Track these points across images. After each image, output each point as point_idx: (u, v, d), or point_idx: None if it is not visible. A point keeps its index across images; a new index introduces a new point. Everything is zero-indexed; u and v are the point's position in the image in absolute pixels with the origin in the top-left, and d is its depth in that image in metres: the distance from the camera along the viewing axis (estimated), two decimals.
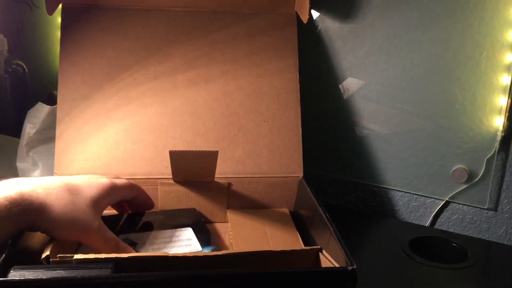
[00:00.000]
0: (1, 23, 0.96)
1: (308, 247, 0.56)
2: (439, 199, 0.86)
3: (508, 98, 0.76)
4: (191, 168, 0.68)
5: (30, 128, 0.79)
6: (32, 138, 0.78)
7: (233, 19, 0.79)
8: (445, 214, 0.86)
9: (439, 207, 0.86)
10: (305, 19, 0.78)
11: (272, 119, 0.76)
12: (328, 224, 0.57)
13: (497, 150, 0.79)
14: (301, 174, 0.75)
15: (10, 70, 0.91)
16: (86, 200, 0.52)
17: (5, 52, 0.91)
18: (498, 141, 0.78)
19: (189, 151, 0.66)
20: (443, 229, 0.86)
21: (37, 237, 0.60)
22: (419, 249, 0.75)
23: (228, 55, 0.77)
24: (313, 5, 0.88)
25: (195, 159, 0.67)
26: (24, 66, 0.95)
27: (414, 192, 0.87)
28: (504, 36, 0.75)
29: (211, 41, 0.78)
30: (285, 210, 0.75)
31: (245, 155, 0.74)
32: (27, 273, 0.45)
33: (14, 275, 0.45)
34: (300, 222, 0.71)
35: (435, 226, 0.87)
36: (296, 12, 0.81)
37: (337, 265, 0.51)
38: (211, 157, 0.67)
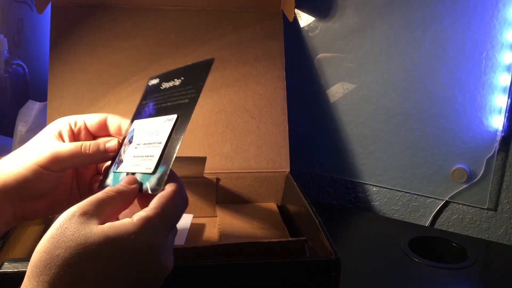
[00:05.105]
0: (1, 23, 0.96)
1: (294, 238, 0.57)
2: (439, 199, 0.86)
3: (508, 98, 0.76)
4: (180, 171, 0.69)
5: (22, 126, 0.79)
6: (24, 136, 0.78)
7: (221, 18, 0.80)
8: (445, 214, 0.86)
9: (439, 207, 0.86)
10: (290, 18, 0.79)
11: (260, 115, 0.77)
12: (314, 217, 0.58)
13: (497, 150, 0.79)
14: (288, 169, 0.76)
15: (10, 70, 0.91)
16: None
17: (5, 52, 0.91)
18: (498, 141, 0.78)
19: (177, 157, 0.66)
20: (443, 229, 0.87)
21: (31, 230, 0.61)
22: (418, 249, 0.75)
23: (216, 53, 0.78)
24: (314, 6, 0.88)
25: (184, 164, 0.68)
26: (24, 66, 0.95)
27: (414, 192, 0.88)
28: (504, 36, 0.75)
29: (199, 39, 0.79)
30: (273, 205, 0.76)
31: (233, 151, 0.75)
32: (21, 265, 0.45)
33: (8, 267, 0.45)
34: (287, 216, 0.72)
35: (435, 226, 0.87)
36: (282, 11, 0.82)
37: (322, 255, 0.52)
38: (199, 162, 0.68)
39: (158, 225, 0.37)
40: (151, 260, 0.36)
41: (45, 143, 0.45)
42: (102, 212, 0.37)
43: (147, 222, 0.36)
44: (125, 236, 0.35)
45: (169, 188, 0.39)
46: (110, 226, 0.35)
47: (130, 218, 0.36)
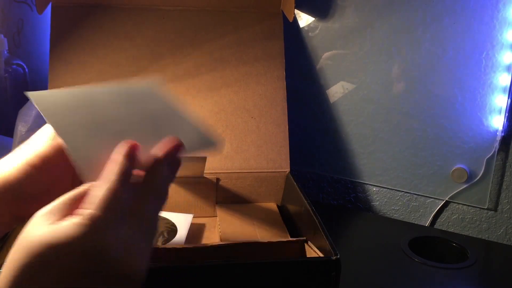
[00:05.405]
0: (1, 23, 0.96)
1: (294, 239, 0.57)
2: (439, 199, 0.86)
3: (508, 98, 0.76)
4: (180, 171, 0.70)
5: (22, 126, 0.78)
6: (24, 137, 0.78)
7: (221, 18, 0.80)
8: (445, 214, 0.86)
9: (439, 207, 0.86)
10: (290, 18, 0.79)
11: (260, 115, 0.77)
12: (314, 216, 0.58)
13: (497, 150, 0.79)
14: (288, 169, 0.76)
15: (10, 70, 0.91)
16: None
17: (5, 52, 0.91)
18: (498, 141, 0.78)
19: None
20: (443, 229, 0.87)
21: None
22: (418, 249, 0.75)
23: (216, 53, 0.78)
24: (314, 6, 0.88)
25: (184, 164, 0.68)
26: (24, 66, 0.95)
27: (414, 192, 0.88)
28: (504, 36, 0.75)
29: (199, 39, 0.79)
30: (273, 205, 0.76)
31: (233, 151, 0.75)
32: None
33: None
34: (287, 216, 0.72)
35: (435, 226, 0.87)
36: (282, 11, 0.82)
37: (322, 255, 0.52)
38: (199, 162, 0.69)
39: (104, 219, 0.32)
40: (104, 261, 0.32)
41: (38, 142, 0.45)
42: (73, 208, 0.33)
43: (92, 220, 0.32)
44: (66, 240, 0.31)
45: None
46: (51, 230, 0.31)
47: (74, 218, 0.32)
